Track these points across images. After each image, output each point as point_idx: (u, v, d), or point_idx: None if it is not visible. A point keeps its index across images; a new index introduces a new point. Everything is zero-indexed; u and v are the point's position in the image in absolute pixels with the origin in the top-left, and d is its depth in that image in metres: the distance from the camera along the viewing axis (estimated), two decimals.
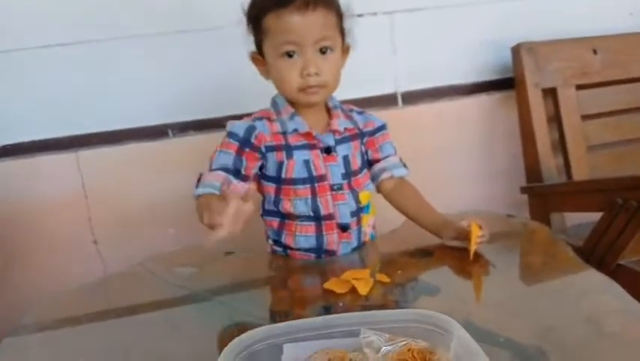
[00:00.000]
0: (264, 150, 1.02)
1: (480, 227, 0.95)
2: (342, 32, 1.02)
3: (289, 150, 1.02)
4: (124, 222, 1.43)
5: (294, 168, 1.01)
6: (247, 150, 1.01)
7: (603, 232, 1.24)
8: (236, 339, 0.45)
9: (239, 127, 1.02)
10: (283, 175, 1.02)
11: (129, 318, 0.90)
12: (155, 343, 0.79)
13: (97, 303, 0.99)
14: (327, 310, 0.81)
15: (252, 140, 1.01)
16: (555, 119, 1.63)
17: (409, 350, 0.39)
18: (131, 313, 0.92)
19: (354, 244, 1.07)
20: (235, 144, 1.00)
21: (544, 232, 1.08)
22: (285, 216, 1.05)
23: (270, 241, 1.10)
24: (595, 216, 1.29)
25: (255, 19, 0.99)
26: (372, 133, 1.11)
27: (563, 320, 0.73)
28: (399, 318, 0.48)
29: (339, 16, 1.01)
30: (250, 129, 1.02)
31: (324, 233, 1.04)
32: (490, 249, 0.98)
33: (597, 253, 1.24)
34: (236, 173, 0.99)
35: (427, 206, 1.09)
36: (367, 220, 1.10)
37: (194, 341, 0.77)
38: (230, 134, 1.01)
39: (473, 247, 0.93)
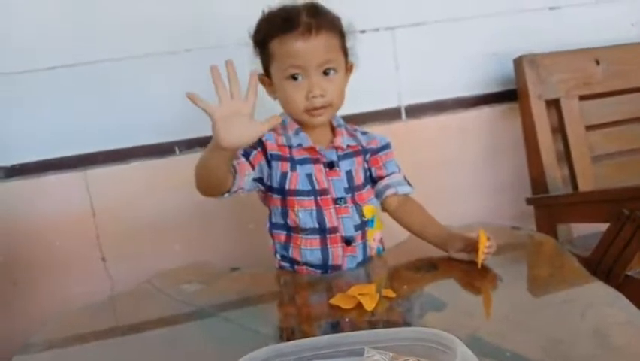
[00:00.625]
0: (269, 157, 1.05)
1: (488, 238, 0.95)
2: (344, 52, 1.05)
3: (293, 162, 1.05)
4: (131, 239, 1.45)
5: (298, 180, 1.04)
6: (258, 148, 1.04)
7: (610, 243, 1.24)
8: (245, 356, 0.45)
9: None
10: (287, 186, 1.04)
11: (136, 336, 0.91)
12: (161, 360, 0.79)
13: (104, 321, 1.00)
14: (334, 326, 0.81)
15: (262, 142, 1.04)
16: (559, 130, 1.63)
17: None
18: (137, 330, 0.93)
19: (360, 258, 1.08)
20: None
21: (551, 244, 1.08)
22: (291, 230, 1.06)
23: (278, 257, 1.10)
24: (602, 227, 1.29)
25: (261, 43, 1.04)
26: (376, 151, 1.12)
27: (569, 333, 0.72)
28: (402, 336, 0.48)
29: (342, 36, 1.04)
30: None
31: (328, 246, 1.04)
32: (497, 261, 0.98)
33: (604, 264, 1.23)
34: (246, 157, 1.02)
35: (433, 221, 1.10)
36: (372, 235, 1.10)
37: (200, 359, 0.78)
38: None
39: (481, 256, 0.93)
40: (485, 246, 0.94)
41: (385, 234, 1.17)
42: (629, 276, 1.22)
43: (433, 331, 0.47)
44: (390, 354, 0.41)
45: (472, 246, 0.96)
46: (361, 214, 1.07)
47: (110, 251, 1.44)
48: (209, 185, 0.97)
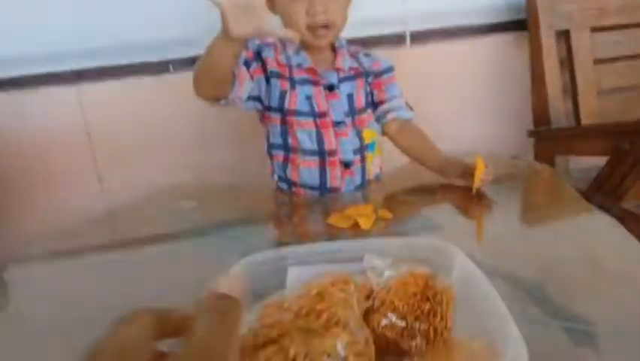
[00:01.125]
0: (269, 73, 1.02)
1: (485, 165, 0.94)
2: None
3: (293, 82, 1.02)
4: (126, 157, 1.43)
5: (297, 100, 1.02)
6: (257, 62, 1.01)
7: (607, 176, 1.24)
8: (241, 261, 0.45)
9: (252, 41, 1.01)
10: (286, 106, 1.02)
11: (134, 251, 0.91)
12: (160, 274, 0.80)
13: (102, 235, 1.01)
14: None
15: (262, 57, 1.01)
16: (567, 62, 1.58)
17: (411, 275, 0.39)
18: (135, 246, 0.93)
19: (358, 181, 1.08)
20: (250, 52, 1.01)
21: (548, 173, 1.08)
22: (290, 150, 1.04)
23: (275, 177, 1.10)
24: (599, 162, 1.28)
25: None
26: (379, 74, 1.09)
27: (563, 258, 0.73)
28: (402, 245, 0.48)
29: None
30: (260, 48, 1.02)
31: (327, 168, 1.04)
32: (494, 189, 0.98)
33: (600, 196, 1.24)
34: (246, 66, 0.99)
35: (432, 147, 1.08)
36: (372, 159, 1.09)
37: (198, 272, 0.78)
38: (246, 46, 0.99)
39: (477, 182, 0.93)
40: (482, 172, 0.94)
41: (384, 161, 1.16)
42: (624, 209, 1.24)
43: (432, 240, 0.48)
44: (390, 260, 0.41)
45: (470, 172, 0.96)
46: (361, 138, 1.05)
47: (105, 168, 1.43)
48: (211, 79, 0.93)
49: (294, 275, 0.45)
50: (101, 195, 1.41)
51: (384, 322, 0.37)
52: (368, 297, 0.39)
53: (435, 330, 0.37)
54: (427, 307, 0.37)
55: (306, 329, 0.33)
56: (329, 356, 0.32)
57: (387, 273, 0.39)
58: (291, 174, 1.06)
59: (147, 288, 0.74)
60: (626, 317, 0.60)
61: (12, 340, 0.66)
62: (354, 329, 0.34)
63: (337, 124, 1.03)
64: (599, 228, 0.82)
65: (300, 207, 1.03)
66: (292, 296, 0.37)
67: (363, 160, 1.07)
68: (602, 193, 1.25)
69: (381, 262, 0.42)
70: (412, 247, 0.48)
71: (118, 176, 1.43)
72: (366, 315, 0.37)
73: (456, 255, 0.44)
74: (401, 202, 0.97)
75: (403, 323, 0.36)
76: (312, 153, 1.03)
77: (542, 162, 1.37)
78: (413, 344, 0.36)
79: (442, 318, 0.37)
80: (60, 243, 0.97)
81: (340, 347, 0.32)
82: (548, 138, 1.49)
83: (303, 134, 1.02)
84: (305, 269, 0.45)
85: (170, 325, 0.29)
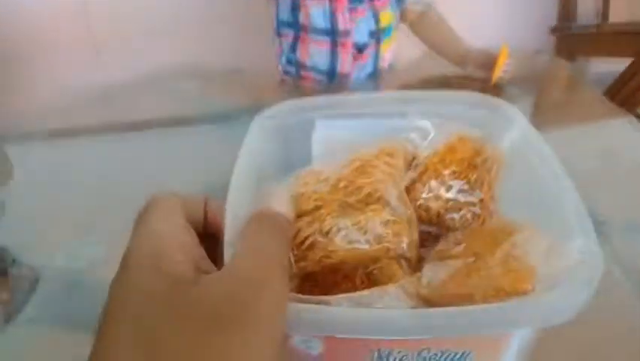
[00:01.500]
0: None
1: (509, 55, 0.89)
2: None
3: None
4: (127, 34, 1.35)
5: None
6: None
7: (629, 79, 1.19)
8: (262, 114, 0.39)
9: None
10: None
11: (135, 134, 0.89)
12: (161, 161, 0.78)
13: (103, 115, 0.97)
14: None
15: None
16: None
17: (459, 139, 0.33)
18: (136, 128, 0.90)
19: (369, 69, 1.02)
20: None
21: (569, 70, 1.03)
22: (300, 29, 0.98)
23: (283, 61, 1.04)
24: (620, 68, 1.23)
25: None
26: None
27: (578, 151, 0.71)
28: (451, 100, 0.37)
29: None
30: None
31: (338, 52, 0.98)
32: (513, 83, 0.93)
33: (617, 100, 1.20)
34: None
35: (453, 34, 1.01)
36: (387, 45, 1.03)
37: (200, 162, 0.75)
38: None
39: (498, 72, 0.88)
40: (504, 62, 0.89)
41: (399, 48, 1.09)
42: (639, 115, 1.20)
43: (488, 97, 0.38)
44: (437, 120, 0.34)
45: (493, 62, 0.91)
46: (378, 20, 0.98)
47: (105, 42, 1.36)
48: None
49: (323, 130, 0.38)
50: (99, 70, 1.35)
51: (426, 193, 0.32)
52: (411, 163, 0.34)
53: (481, 201, 0.32)
54: (474, 176, 0.33)
55: (344, 203, 0.30)
56: (365, 233, 0.29)
57: (432, 135, 0.34)
58: (300, 54, 1.00)
59: (148, 174, 0.72)
60: (638, 211, 0.59)
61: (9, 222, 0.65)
62: (396, 206, 0.31)
63: (353, 1, 0.95)
64: (615, 123, 0.79)
65: (306, 95, 0.98)
66: (331, 167, 0.32)
67: (377, 45, 1.00)
68: (619, 97, 1.20)
69: (427, 122, 0.35)
70: (464, 103, 0.38)
71: (116, 52, 1.36)
72: (409, 185, 0.33)
73: (516, 117, 0.36)
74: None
75: (447, 194, 0.32)
76: (324, 32, 0.96)
77: None
78: (457, 216, 0.32)
79: (489, 188, 0.33)
80: (59, 122, 0.94)
81: (379, 225, 0.29)
82: (571, 36, 1.40)
83: (316, 10, 0.94)
84: (336, 124, 0.38)
85: (195, 211, 0.27)
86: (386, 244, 0.29)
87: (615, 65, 1.27)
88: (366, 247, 0.29)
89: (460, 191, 0.32)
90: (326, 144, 0.37)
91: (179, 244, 0.23)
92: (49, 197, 0.70)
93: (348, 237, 0.29)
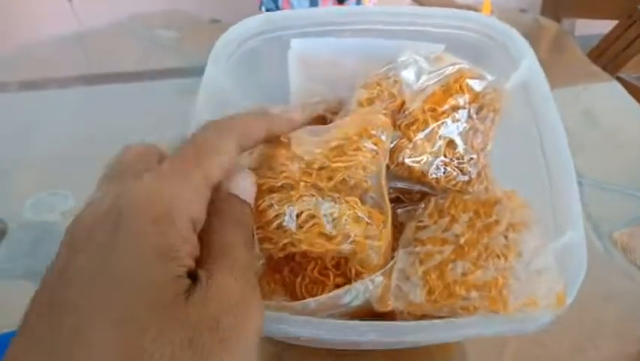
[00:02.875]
0: None
1: (492, 10, 0.87)
2: None
3: None
4: None
5: None
6: None
7: (612, 42, 1.18)
8: (226, 33, 0.34)
9: None
10: None
11: (109, 85, 0.85)
12: (141, 108, 0.76)
13: (78, 63, 0.93)
14: None
15: None
16: None
17: (456, 80, 0.28)
18: (110, 79, 0.87)
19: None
20: None
21: (555, 29, 1.01)
22: None
23: (263, 9, 1.00)
24: (605, 30, 1.21)
25: None
26: None
27: (559, 111, 0.71)
28: (453, 23, 0.32)
29: None
30: None
31: (319, 2, 0.94)
32: None
33: (601, 62, 1.19)
34: None
35: None
36: None
37: (182, 107, 0.73)
38: None
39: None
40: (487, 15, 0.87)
41: (382, 3, 1.06)
42: (620, 78, 1.20)
43: (499, 24, 0.33)
44: (433, 55, 0.29)
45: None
46: None
47: None
48: None
49: (299, 49, 0.33)
50: (72, 19, 1.29)
51: (410, 151, 0.28)
52: (400, 108, 0.29)
53: (471, 159, 0.29)
54: (467, 126, 0.28)
55: (316, 187, 0.26)
56: (335, 227, 0.25)
57: (426, 76, 0.29)
58: (282, 4, 0.96)
59: (122, 127, 0.69)
60: (611, 170, 0.60)
61: None
62: (372, 199, 0.26)
63: None
64: (599, 86, 0.79)
65: None
66: (307, 145, 0.27)
67: None
68: (603, 59, 1.20)
69: (421, 59, 0.29)
70: (462, 26, 0.33)
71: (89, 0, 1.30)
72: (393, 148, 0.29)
73: (526, 53, 0.31)
74: None
75: (433, 158, 0.28)
76: None
77: None
78: (442, 176, 0.28)
79: (482, 139, 0.29)
80: (30, 72, 0.90)
81: (351, 222, 0.25)
82: None
83: None
84: (313, 43, 0.33)
85: (206, 148, 0.23)
86: (354, 246, 0.26)
87: (601, 27, 1.26)
88: (333, 246, 0.26)
89: (449, 147, 0.28)
90: (304, 66, 0.33)
91: (187, 221, 0.20)
92: (20, 148, 0.68)
93: (317, 228, 0.25)
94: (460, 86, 0.28)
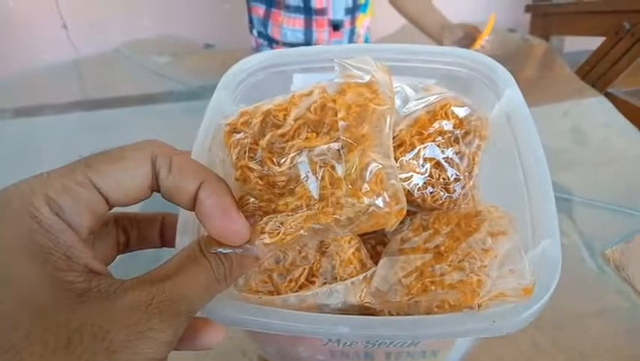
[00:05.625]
0: None
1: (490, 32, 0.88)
2: None
3: None
4: (94, 5, 1.30)
5: None
6: None
7: (601, 58, 1.20)
8: (232, 69, 0.35)
9: None
10: None
11: (104, 110, 0.87)
12: (136, 132, 0.77)
13: (73, 89, 0.95)
14: None
15: None
16: None
17: (441, 107, 0.29)
18: (105, 105, 0.88)
19: (345, 44, 1.01)
20: None
21: (543, 48, 1.03)
22: (272, 4, 0.95)
23: (255, 33, 1.02)
24: (593, 46, 1.24)
25: None
26: None
27: (549, 129, 0.72)
28: (440, 58, 0.34)
29: None
30: None
31: (313, 29, 0.96)
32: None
33: (589, 78, 1.21)
34: None
35: (431, 7, 1.00)
36: (362, 21, 1.01)
37: (178, 132, 0.74)
38: None
39: (479, 41, 0.88)
40: (488, 33, 0.88)
41: (373, 24, 1.08)
42: (609, 93, 1.22)
43: (483, 58, 0.34)
44: (421, 86, 0.30)
45: (471, 37, 0.90)
46: None
47: (72, 18, 1.31)
48: None
49: (301, 85, 0.34)
50: (66, 46, 1.30)
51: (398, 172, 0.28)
52: None
53: (457, 180, 0.29)
54: (453, 150, 0.29)
55: (275, 194, 0.23)
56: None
57: (413, 102, 0.30)
58: (271, 31, 0.98)
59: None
60: (601, 187, 0.60)
61: None
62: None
63: None
64: (587, 102, 0.81)
65: None
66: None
67: (353, 22, 0.99)
68: (592, 75, 1.21)
69: (410, 88, 0.30)
70: (454, 63, 0.34)
71: (84, 28, 1.31)
72: None
73: (507, 84, 0.32)
74: None
75: (420, 177, 0.28)
76: (297, 9, 0.94)
77: None
78: (429, 194, 0.28)
79: (468, 163, 0.29)
80: (26, 99, 0.91)
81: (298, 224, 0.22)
82: (546, 14, 1.40)
83: None
84: (314, 78, 0.34)
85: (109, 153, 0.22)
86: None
87: (589, 44, 1.28)
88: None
89: (435, 168, 0.29)
90: None
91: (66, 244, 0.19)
92: (16, 174, 0.68)
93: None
94: (446, 113, 0.29)
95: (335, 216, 0.22)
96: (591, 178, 0.62)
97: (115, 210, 0.23)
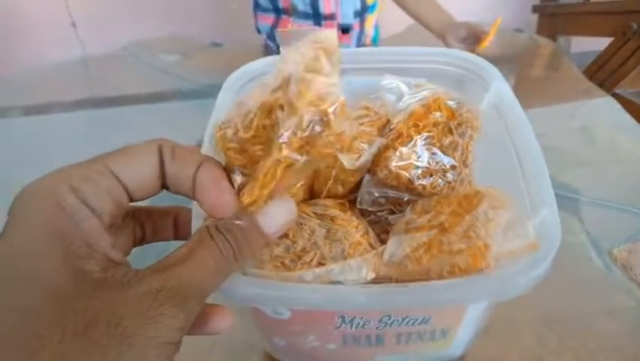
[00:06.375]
0: None
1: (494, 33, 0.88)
2: None
3: None
4: (103, 4, 1.31)
5: None
6: None
7: (608, 59, 1.19)
8: (234, 74, 0.37)
9: None
10: None
11: (112, 108, 0.87)
12: (144, 131, 0.77)
13: (82, 87, 0.95)
14: None
15: None
16: None
17: (434, 100, 0.31)
18: (113, 103, 0.89)
19: (354, 46, 1.01)
20: None
21: (551, 48, 1.03)
22: (281, 11, 0.95)
23: (264, 35, 1.02)
24: (601, 47, 1.23)
25: None
26: None
27: (557, 129, 0.72)
28: (430, 58, 0.37)
29: None
30: None
31: None
32: (494, 61, 0.93)
33: (597, 78, 1.21)
34: None
35: (436, 4, 1.00)
36: (371, 21, 1.01)
37: (186, 130, 0.74)
38: None
39: (486, 42, 0.88)
40: (493, 34, 0.88)
41: (382, 23, 1.08)
42: (616, 94, 1.21)
43: (469, 56, 0.37)
44: (414, 82, 0.32)
45: (475, 36, 0.90)
46: None
47: (80, 16, 1.32)
48: None
49: None
50: (75, 44, 1.31)
51: (397, 160, 0.30)
52: (385, 125, 0.32)
53: (453, 167, 0.31)
54: (448, 140, 0.31)
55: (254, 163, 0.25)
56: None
57: (407, 97, 0.32)
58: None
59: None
60: (608, 187, 0.60)
61: None
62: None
63: None
64: (595, 102, 0.80)
65: None
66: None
67: (362, 23, 0.99)
68: (599, 76, 1.21)
69: (403, 84, 0.32)
70: (444, 62, 0.38)
71: (92, 26, 1.33)
72: (381, 151, 0.31)
73: (494, 78, 0.35)
74: None
75: (419, 163, 0.30)
76: (306, 15, 0.94)
77: None
78: (427, 183, 0.30)
79: (462, 152, 0.31)
80: (35, 98, 0.92)
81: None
82: (553, 14, 1.40)
83: None
84: None
85: (120, 148, 0.23)
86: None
87: (596, 44, 1.28)
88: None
89: (432, 157, 0.31)
90: None
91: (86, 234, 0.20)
92: (25, 172, 0.69)
93: None
94: (439, 105, 0.31)
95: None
96: (599, 178, 0.62)
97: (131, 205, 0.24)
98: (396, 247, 0.27)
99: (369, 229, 0.30)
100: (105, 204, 0.21)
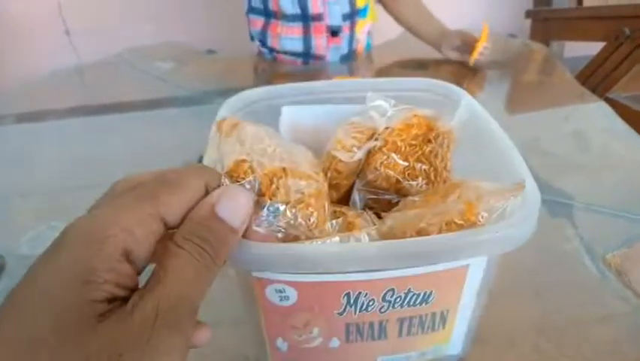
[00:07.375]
0: None
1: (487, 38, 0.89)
2: None
3: None
4: (98, 13, 1.31)
5: None
6: None
7: (601, 63, 1.20)
8: (232, 98, 0.40)
9: None
10: None
11: (106, 115, 0.87)
12: (137, 138, 0.77)
13: (76, 94, 0.95)
14: None
15: None
16: None
17: (414, 115, 0.36)
18: (107, 110, 0.88)
19: (345, 50, 1.01)
20: None
21: (544, 53, 1.04)
22: (270, 15, 0.96)
23: (257, 42, 1.02)
24: (593, 52, 1.24)
25: None
26: None
27: (550, 133, 0.73)
28: (406, 86, 0.44)
29: None
30: None
31: (312, 35, 0.97)
32: (488, 66, 0.94)
33: (590, 83, 1.22)
34: None
35: (429, 15, 1.01)
36: (362, 26, 1.02)
37: (181, 137, 0.75)
38: None
39: (477, 51, 0.89)
40: (485, 42, 0.89)
41: (375, 29, 1.09)
42: (609, 98, 1.22)
43: (440, 82, 0.44)
44: (393, 101, 0.37)
45: (469, 44, 0.91)
46: (353, 2, 0.97)
47: (75, 24, 1.32)
48: None
49: (289, 115, 0.41)
50: (69, 52, 1.31)
51: (386, 161, 0.35)
52: (372, 136, 0.36)
53: (435, 170, 0.35)
54: (428, 148, 0.35)
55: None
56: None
57: (390, 113, 0.36)
58: (271, 41, 0.99)
59: (119, 158, 0.71)
60: (602, 192, 0.61)
61: None
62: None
63: None
64: (588, 107, 0.81)
65: (280, 78, 0.97)
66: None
67: (352, 27, 1.00)
68: (592, 80, 1.22)
69: (385, 102, 0.37)
70: (417, 89, 0.44)
71: (86, 34, 1.32)
72: (369, 155, 0.35)
73: (462, 97, 0.40)
74: (389, 76, 0.92)
75: (405, 163, 0.35)
76: (294, 18, 0.95)
77: None
78: (414, 183, 0.35)
79: (442, 159, 0.35)
80: (28, 105, 0.92)
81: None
82: (546, 20, 1.41)
83: None
84: (300, 109, 0.41)
85: (170, 182, 0.24)
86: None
87: (589, 49, 1.28)
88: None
89: (416, 162, 0.35)
90: (292, 129, 0.40)
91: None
92: (17, 182, 0.68)
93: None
94: (418, 120, 0.36)
95: None
96: (592, 183, 0.62)
97: None
98: (392, 219, 0.30)
99: (368, 210, 0.34)
100: (150, 246, 0.22)
